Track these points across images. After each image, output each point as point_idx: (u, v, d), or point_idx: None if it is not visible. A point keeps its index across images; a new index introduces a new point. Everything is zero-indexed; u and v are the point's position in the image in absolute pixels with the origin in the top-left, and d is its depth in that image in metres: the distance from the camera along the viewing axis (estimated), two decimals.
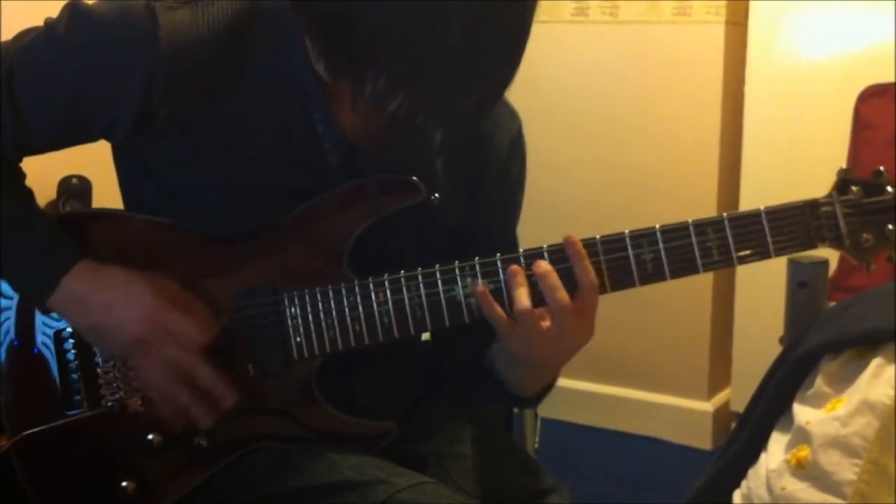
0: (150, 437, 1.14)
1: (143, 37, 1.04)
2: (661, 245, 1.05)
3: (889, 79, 2.31)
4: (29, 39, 1.10)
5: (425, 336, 1.47)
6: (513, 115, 1.25)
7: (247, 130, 1.11)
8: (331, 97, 1.09)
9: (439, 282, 1.08)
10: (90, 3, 1.09)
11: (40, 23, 1.11)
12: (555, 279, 1.04)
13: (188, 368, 1.08)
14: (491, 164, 1.22)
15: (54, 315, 1.16)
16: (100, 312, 1.09)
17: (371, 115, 1.11)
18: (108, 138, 1.14)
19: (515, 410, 1.71)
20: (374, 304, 1.09)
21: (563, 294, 1.04)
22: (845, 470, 1.11)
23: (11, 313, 1.17)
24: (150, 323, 1.08)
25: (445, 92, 0.98)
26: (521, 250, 1.08)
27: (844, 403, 1.14)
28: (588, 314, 1.06)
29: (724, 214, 1.04)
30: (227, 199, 1.12)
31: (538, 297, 1.05)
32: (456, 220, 1.21)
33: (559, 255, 1.06)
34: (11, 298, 1.17)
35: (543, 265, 1.05)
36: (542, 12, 1.00)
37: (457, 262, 1.08)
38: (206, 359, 1.09)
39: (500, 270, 1.07)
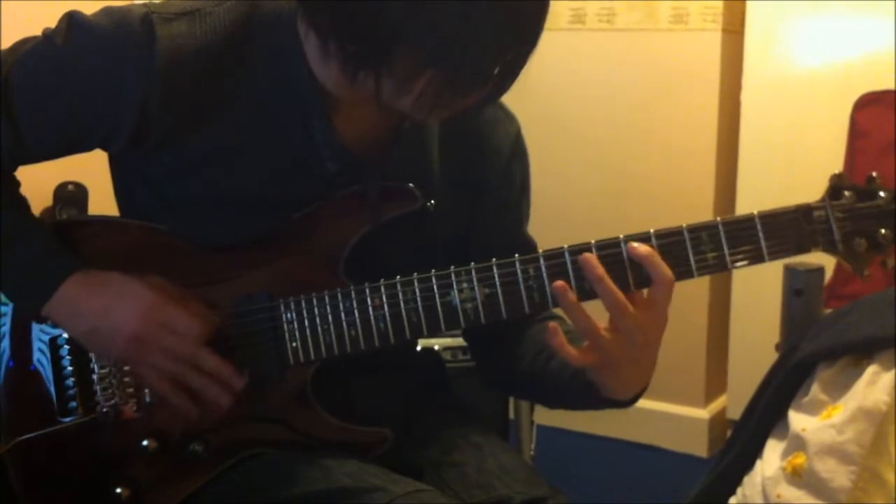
0: (144, 443, 1.13)
1: (140, 50, 1.03)
2: (655, 249, 1.05)
3: (885, 86, 2.32)
4: (26, 50, 1.09)
5: (451, 342, 1.48)
6: (510, 119, 1.25)
7: (245, 140, 1.10)
8: (329, 105, 1.09)
9: (435, 287, 1.08)
10: (88, 13, 1.08)
11: (40, 24, 1.10)
12: (610, 283, 1.01)
13: (191, 357, 1.08)
14: (492, 168, 1.22)
15: (48, 324, 1.16)
16: (96, 316, 1.09)
17: (372, 121, 1.11)
18: (105, 149, 1.14)
19: (511, 417, 1.71)
20: (370, 310, 1.09)
21: (620, 296, 1.01)
22: (841, 477, 1.11)
23: (6, 329, 1.17)
24: (147, 320, 1.07)
25: (471, 70, 0.97)
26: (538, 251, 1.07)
27: (840, 411, 1.14)
28: (659, 308, 1.03)
29: (719, 218, 1.04)
30: (225, 208, 1.12)
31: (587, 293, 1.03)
32: (456, 227, 1.21)
33: (556, 260, 1.05)
34: (5, 315, 1.17)
35: (592, 258, 1.02)
36: None
37: (452, 267, 1.08)
38: (208, 347, 1.09)
39: (497, 275, 1.06)
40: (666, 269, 1.02)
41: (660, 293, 1.02)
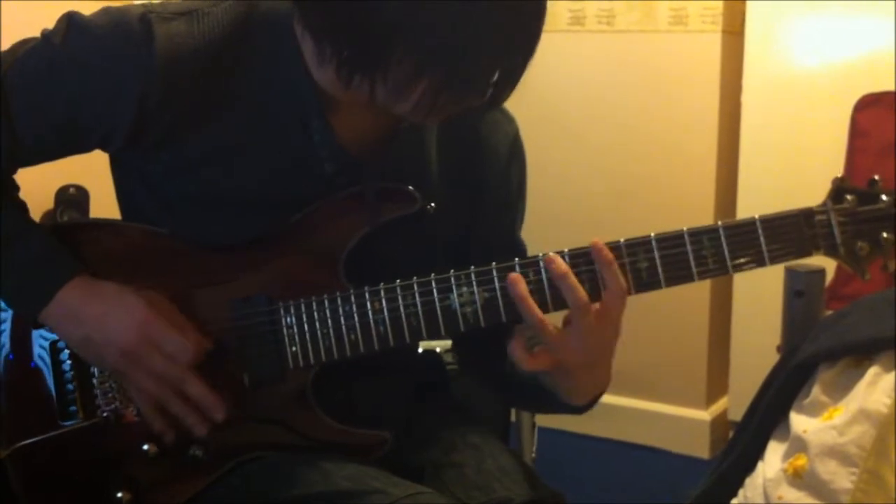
0: (145, 447, 1.13)
1: (139, 49, 1.04)
2: (656, 253, 1.05)
3: (885, 87, 2.32)
4: (24, 51, 1.10)
5: (443, 344, 1.48)
6: (509, 120, 1.25)
7: (244, 140, 1.10)
8: (328, 106, 1.09)
9: (435, 290, 1.08)
10: (88, 13, 1.08)
11: (40, 24, 1.11)
12: (573, 279, 1.03)
13: (177, 381, 1.08)
14: (490, 169, 1.22)
15: (47, 329, 1.16)
16: (91, 325, 1.09)
17: (371, 122, 1.11)
18: (103, 149, 1.14)
19: (513, 419, 1.71)
20: (370, 313, 1.09)
21: (582, 293, 1.02)
22: (842, 479, 1.10)
23: (7, 326, 1.17)
24: (139, 336, 1.07)
25: (467, 77, 0.97)
26: (527, 254, 1.07)
27: (841, 412, 1.14)
28: (612, 317, 1.04)
29: (719, 223, 1.05)
30: (224, 209, 1.12)
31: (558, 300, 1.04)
32: (455, 229, 1.21)
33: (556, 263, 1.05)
34: (6, 311, 1.17)
35: (563, 265, 1.03)
36: None
37: (452, 270, 1.08)
38: (195, 372, 1.09)
39: (496, 279, 1.06)
40: (621, 281, 1.03)
41: (612, 302, 1.03)
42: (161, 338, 1.08)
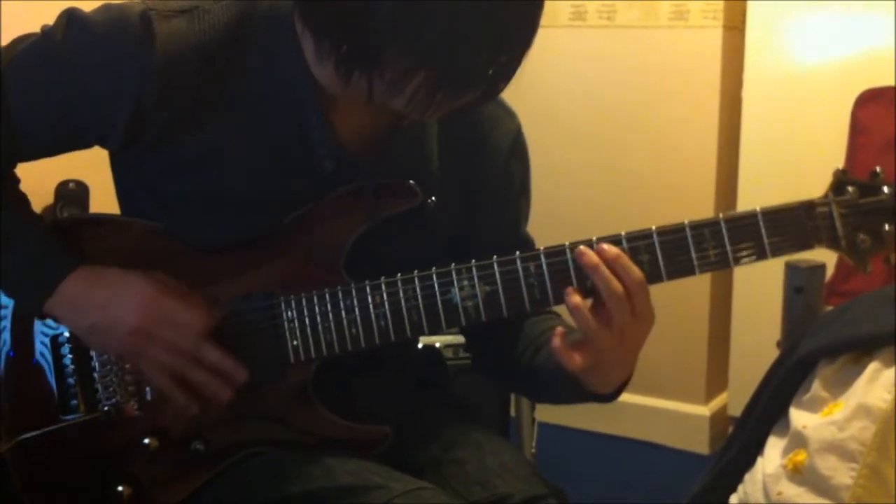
0: (146, 441, 1.13)
1: (138, 48, 1.03)
2: (657, 246, 1.04)
3: (885, 83, 2.31)
4: (23, 46, 1.09)
5: (452, 339, 1.48)
6: (511, 116, 1.24)
7: (242, 139, 1.10)
8: (326, 103, 1.09)
9: (436, 284, 1.07)
10: (87, 9, 1.08)
11: (41, 23, 1.10)
12: (606, 270, 1.02)
13: (193, 351, 1.08)
14: (490, 166, 1.22)
15: (51, 322, 1.16)
16: (97, 311, 1.09)
17: (370, 120, 1.11)
18: (102, 146, 1.14)
19: (512, 414, 1.72)
20: (371, 307, 1.09)
21: (617, 284, 1.02)
22: (842, 474, 1.11)
23: (7, 323, 1.17)
24: (148, 313, 1.08)
25: (461, 71, 0.96)
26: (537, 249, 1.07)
27: (841, 408, 1.14)
28: (640, 308, 1.03)
29: (720, 215, 1.04)
30: (223, 209, 1.12)
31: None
32: (455, 225, 1.20)
33: (557, 257, 1.05)
34: (6, 307, 1.17)
35: (594, 256, 1.03)
36: None
37: (453, 264, 1.07)
38: (210, 339, 1.09)
39: (497, 272, 1.06)
40: (635, 271, 1.02)
41: (636, 292, 1.03)
42: (170, 310, 1.08)
